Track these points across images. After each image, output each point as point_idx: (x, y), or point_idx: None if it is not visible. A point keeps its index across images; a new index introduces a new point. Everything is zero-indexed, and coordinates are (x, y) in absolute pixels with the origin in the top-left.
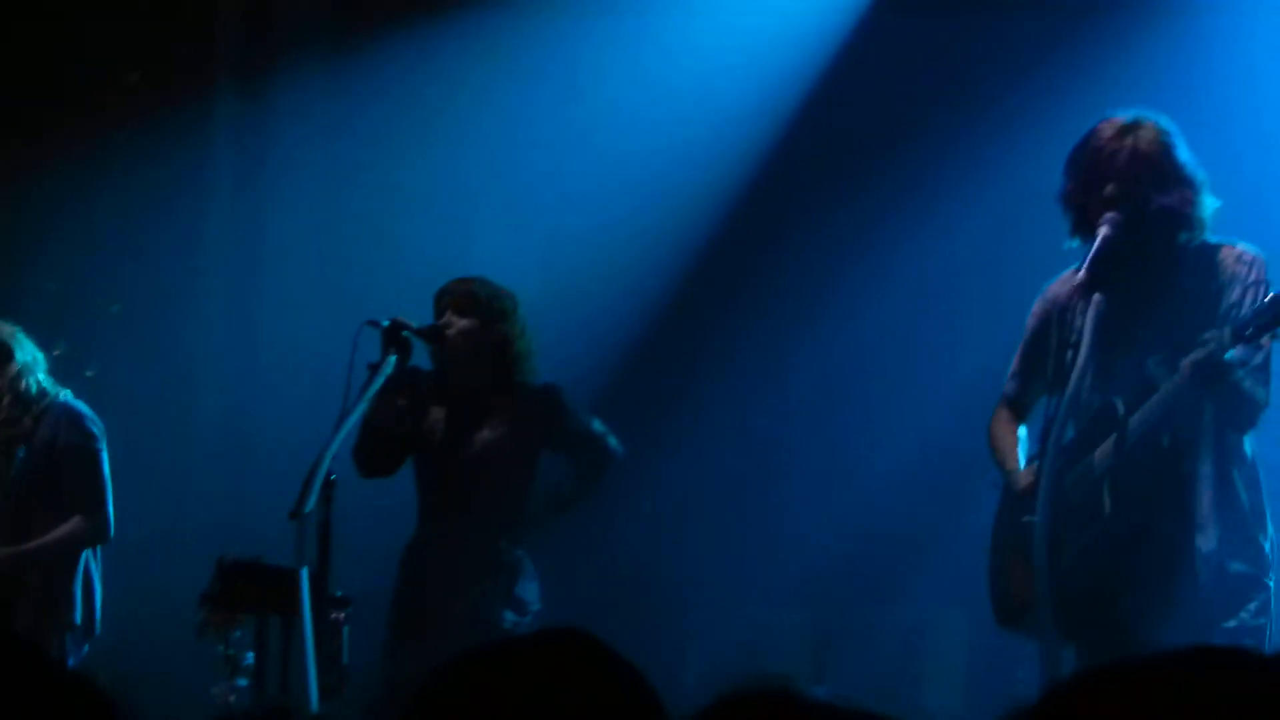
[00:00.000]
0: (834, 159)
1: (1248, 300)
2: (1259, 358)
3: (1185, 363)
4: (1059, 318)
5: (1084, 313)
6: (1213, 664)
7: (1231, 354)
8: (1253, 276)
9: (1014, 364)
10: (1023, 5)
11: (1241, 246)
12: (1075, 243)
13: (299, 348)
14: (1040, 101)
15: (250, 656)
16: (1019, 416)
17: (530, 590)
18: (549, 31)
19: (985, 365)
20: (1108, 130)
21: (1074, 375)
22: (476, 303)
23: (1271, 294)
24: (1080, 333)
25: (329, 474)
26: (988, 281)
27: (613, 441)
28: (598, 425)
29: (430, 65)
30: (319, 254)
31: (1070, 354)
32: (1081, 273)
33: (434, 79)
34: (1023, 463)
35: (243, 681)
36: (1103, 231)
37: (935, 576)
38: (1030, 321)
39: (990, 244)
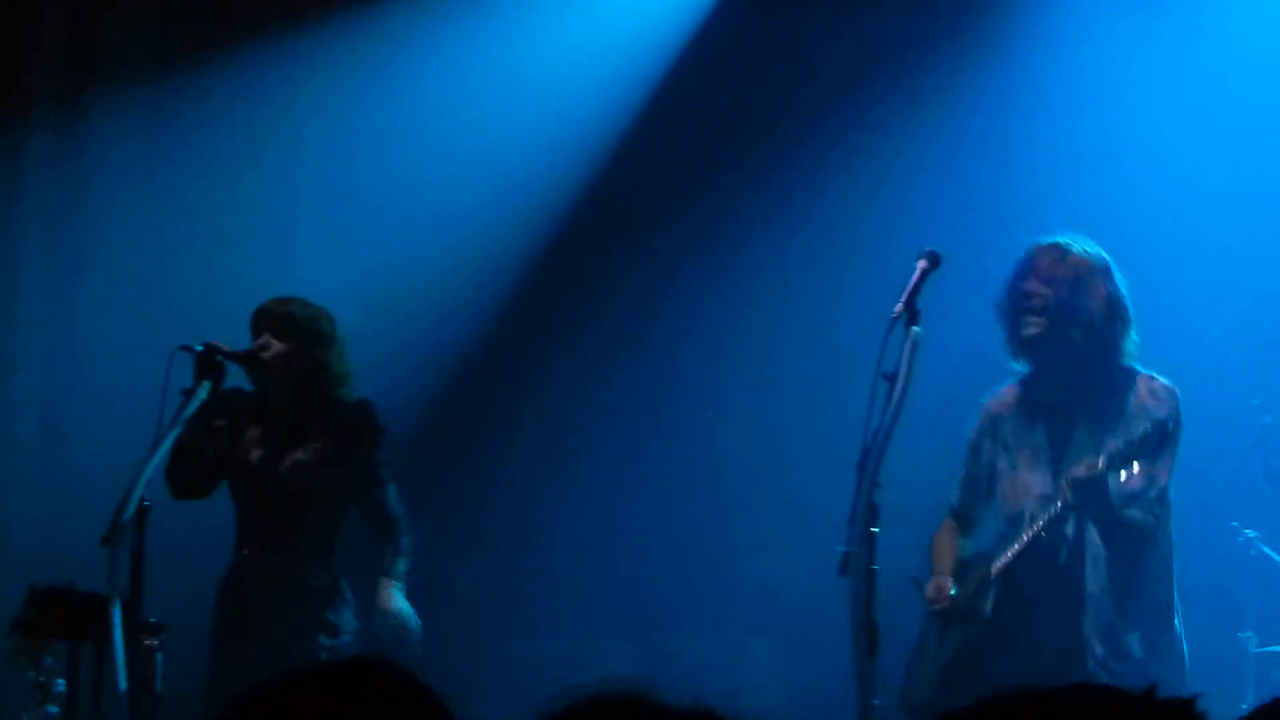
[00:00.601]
0: (676, 164)
1: (1154, 433)
2: (1153, 491)
3: (1065, 480)
4: (993, 431)
5: (1017, 428)
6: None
7: (1112, 478)
8: (1163, 412)
9: (959, 475)
10: (870, 6)
11: (1160, 380)
12: (1017, 365)
13: (116, 373)
14: (887, 101)
15: (62, 684)
16: (962, 527)
17: (345, 616)
18: (371, 57)
19: (820, 375)
20: (1051, 253)
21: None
22: (294, 325)
23: (1152, 423)
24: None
25: (143, 500)
26: (827, 284)
27: (399, 512)
28: (392, 491)
29: (253, 91)
30: (139, 278)
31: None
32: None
33: (257, 104)
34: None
35: (54, 709)
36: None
37: (753, 606)
38: (970, 436)
39: (833, 246)
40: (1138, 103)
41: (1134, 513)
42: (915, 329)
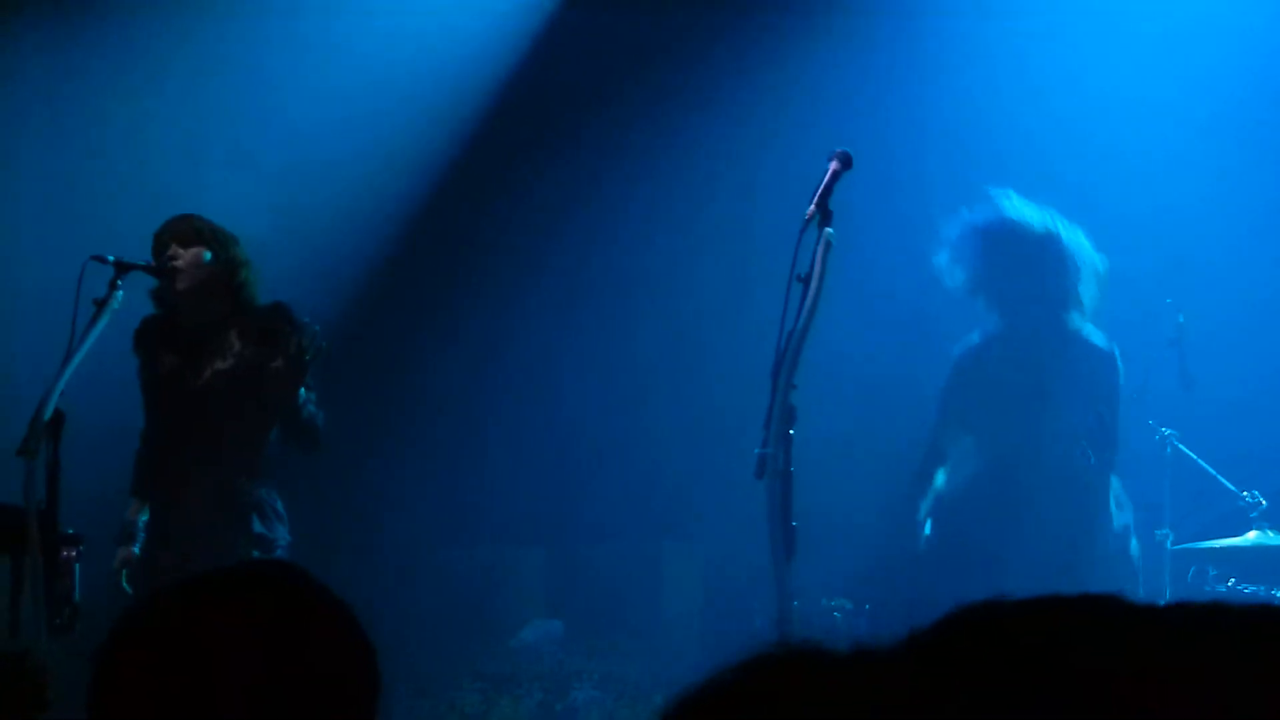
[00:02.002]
0: (526, 151)
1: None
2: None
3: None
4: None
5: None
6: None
7: None
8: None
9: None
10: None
11: (1110, 347)
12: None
13: (27, 284)
14: (730, 93)
15: None
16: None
17: (277, 530)
18: None
19: (734, 279)
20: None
21: None
22: (200, 234)
23: None
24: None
25: (57, 410)
26: (741, 188)
27: (317, 415)
28: (312, 397)
29: (162, 6)
30: (50, 190)
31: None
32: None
33: (164, 20)
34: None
35: None
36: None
37: (670, 513)
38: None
39: (746, 150)
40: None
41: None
42: (828, 230)
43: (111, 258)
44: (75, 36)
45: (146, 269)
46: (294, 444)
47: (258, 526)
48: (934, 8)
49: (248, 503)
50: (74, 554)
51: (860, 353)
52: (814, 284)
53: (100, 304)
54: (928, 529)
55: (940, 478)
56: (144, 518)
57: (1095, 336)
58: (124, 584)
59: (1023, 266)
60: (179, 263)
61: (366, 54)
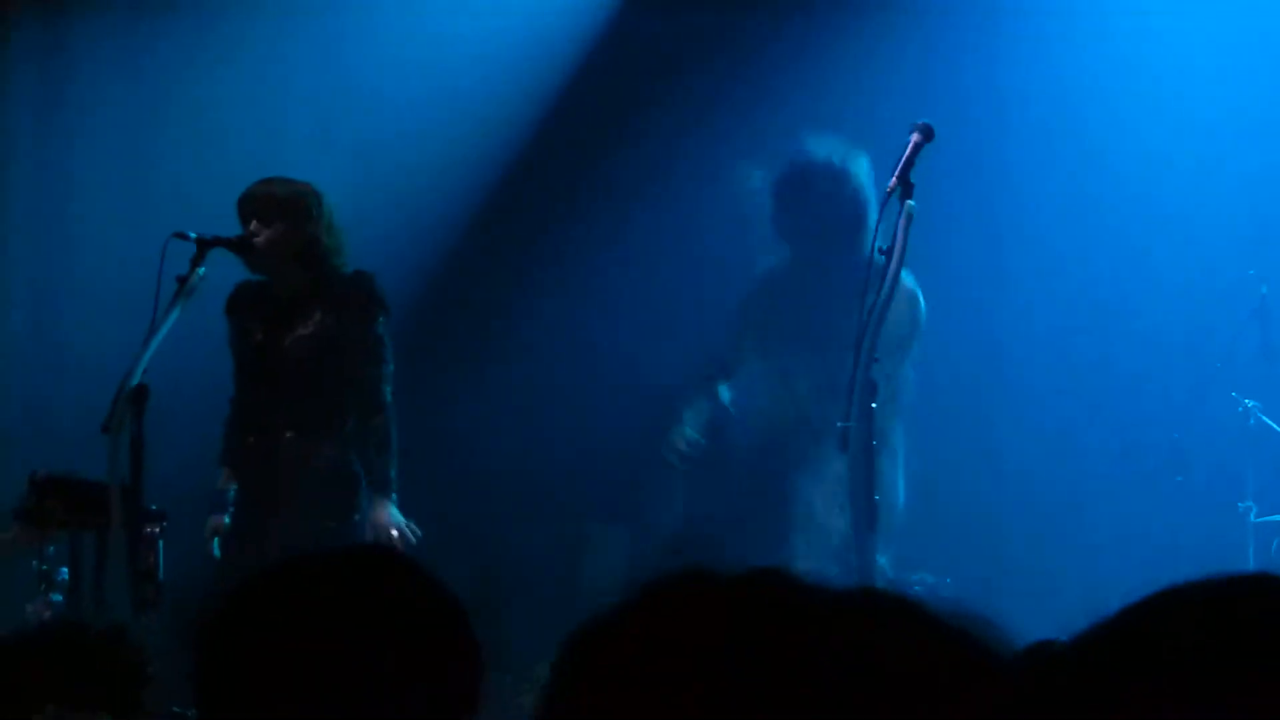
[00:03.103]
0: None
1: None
2: None
3: None
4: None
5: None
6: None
7: None
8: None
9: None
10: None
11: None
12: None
13: (109, 261)
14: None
15: (65, 572)
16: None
17: (361, 494)
18: None
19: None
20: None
21: None
22: (279, 205)
23: None
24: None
25: (140, 386)
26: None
27: (387, 399)
28: (386, 372)
29: None
30: (128, 168)
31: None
32: None
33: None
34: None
35: (57, 597)
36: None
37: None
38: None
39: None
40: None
41: None
42: (910, 203)
43: (193, 234)
44: (148, 12)
45: (228, 244)
46: (367, 439)
47: (341, 491)
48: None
49: (332, 467)
50: (158, 530)
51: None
52: (895, 257)
53: (182, 281)
54: (697, 439)
55: (723, 393)
56: (234, 486)
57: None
58: (215, 551)
59: (810, 202)
60: (259, 239)
61: (443, 33)
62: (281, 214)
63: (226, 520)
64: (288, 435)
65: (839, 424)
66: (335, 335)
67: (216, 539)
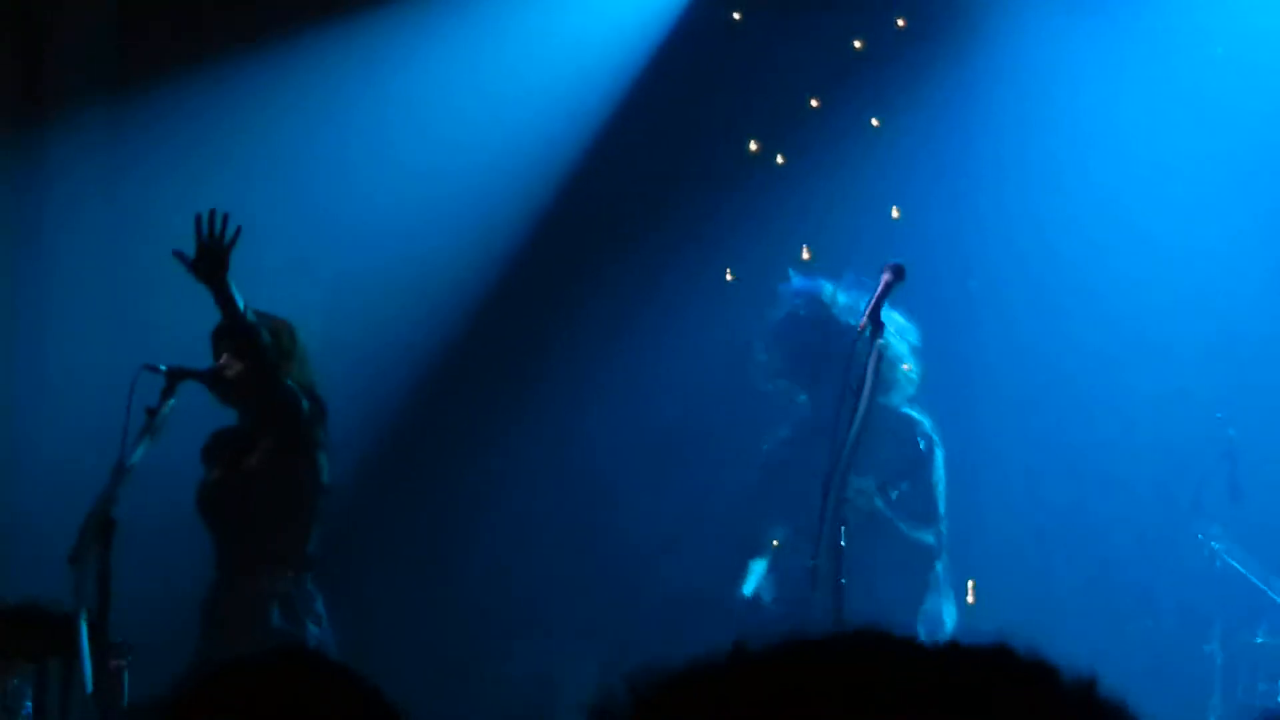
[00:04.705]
0: (645, 172)
1: None
2: None
3: None
4: None
5: None
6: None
7: None
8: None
9: None
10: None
11: (922, 420)
12: None
13: (80, 389)
14: (853, 107)
15: (29, 706)
16: None
17: (307, 625)
18: (322, 77)
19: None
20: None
21: None
22: (253, 343)
23: None
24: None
25: (108, 519)
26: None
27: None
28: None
29: (209, 112)
30: (102, 295)
31: None
32: None
33: (214, 124)
34: None
35: None
36: None
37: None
38: None
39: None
40: (1098, 107)
41: None
42: (879, 341)
43: (164, 366)
44: (122, 140)
45: (198, 376)
46: (276, 423)
47: (277, 621)
48: (984, 116)
49: (271, 595)
50: (123, 663)
51: None
52: (866, 394)
53: (152, 413)
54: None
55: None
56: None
57: (908, 410)
58: None
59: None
60: (230, 373)
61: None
62: (254, 349)
63: None
64: (233, 561)
65: (809, 561)
66: (282, 462)
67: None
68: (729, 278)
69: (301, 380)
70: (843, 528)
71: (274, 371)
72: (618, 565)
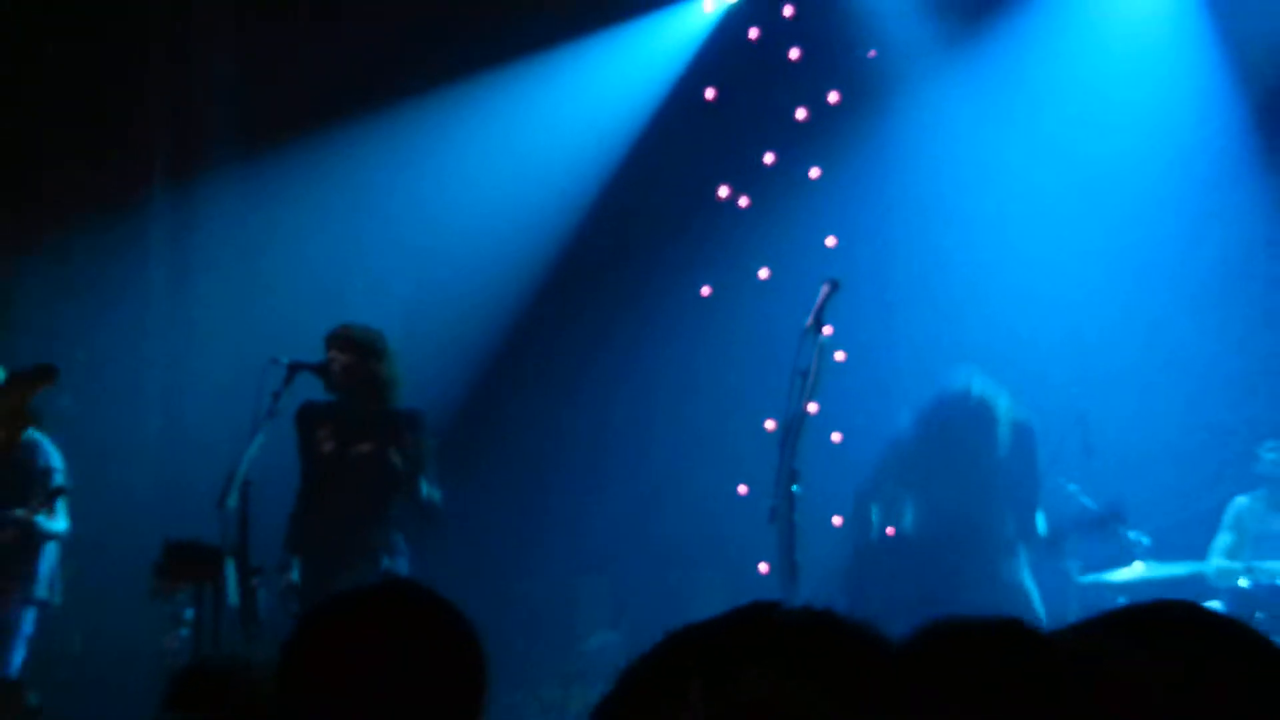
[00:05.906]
0: (645, 224)
1: None
2: None
3: None
4: None
5: None
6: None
7: None
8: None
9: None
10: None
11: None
12: None
13: (222, 378)
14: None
15: (190, 613)
16: None
17: (400, 563)
18: (405, 145)
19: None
20: None
21: None
22: (354, 343)
23: None
24: None
25: (245, 476)
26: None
27: (434, 495)
28: (430, 476)
29: (317, 170)
30: (238, 311)
31: None
32: None
33: (320, 180)
34: None
35: (185, 632)
36: None
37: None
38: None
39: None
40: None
41: None
42: (822, 338)
43: (285, 359)
44: (252, 193)
45: (310, 368)
46: (417, 522)
47: (385, 562)
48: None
49: (378, 544)
50: (257, 582)
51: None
52: (811, 379)
53: (276, 396)
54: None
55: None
56: (296, 561)
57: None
58: (286, 603)
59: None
60: (335, 366)
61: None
62: (355, 349)
63: (294, 577)
64: (344, 521)
65: (769, 503)
66: (385, 455)
67: (287, 592)
68: (705, 292)
69: (386, 377)
70: (794, 477)
71: (375, 365)
72: (631, 515)
